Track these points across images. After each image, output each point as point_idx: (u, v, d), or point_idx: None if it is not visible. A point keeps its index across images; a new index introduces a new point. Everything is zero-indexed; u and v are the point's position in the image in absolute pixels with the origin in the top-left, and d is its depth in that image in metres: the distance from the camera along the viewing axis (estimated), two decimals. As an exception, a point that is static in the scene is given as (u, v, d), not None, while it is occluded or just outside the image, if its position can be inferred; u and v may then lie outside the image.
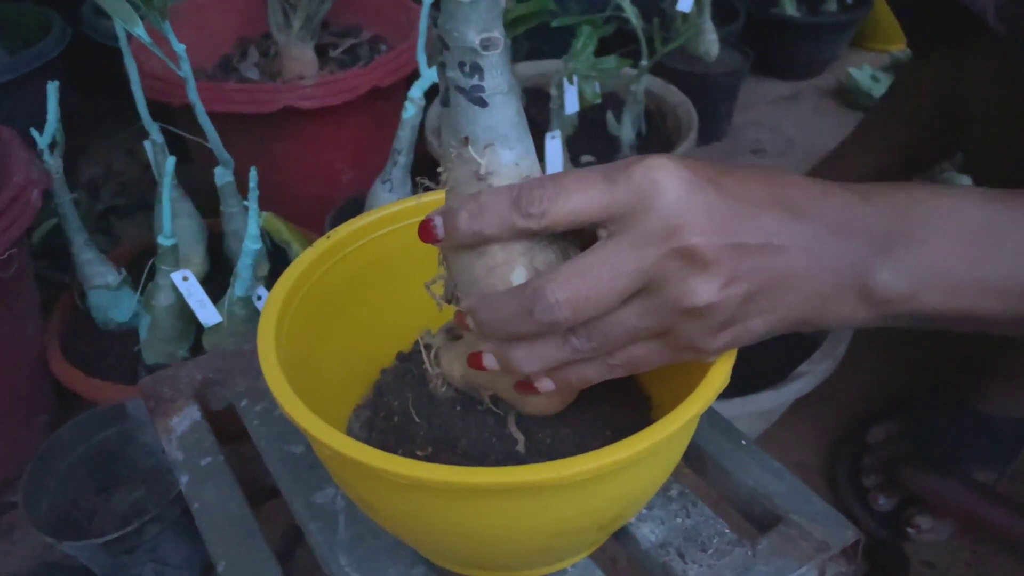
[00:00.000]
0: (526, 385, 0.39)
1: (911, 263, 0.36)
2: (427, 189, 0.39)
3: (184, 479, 0.52)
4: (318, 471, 0.50)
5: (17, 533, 0.82)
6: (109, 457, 0.76)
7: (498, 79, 0.34)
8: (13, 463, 0.84)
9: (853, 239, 0.36)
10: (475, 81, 0.34)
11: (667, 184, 0.34)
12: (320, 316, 0.47)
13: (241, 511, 0.50)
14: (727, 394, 0.75)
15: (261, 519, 0.50)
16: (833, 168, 0.89)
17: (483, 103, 0.35)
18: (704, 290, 0.34)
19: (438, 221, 0.36)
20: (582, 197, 0.34)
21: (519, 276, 0.36)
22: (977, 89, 0.63)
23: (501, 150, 0.36)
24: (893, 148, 0.86)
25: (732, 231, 0.34)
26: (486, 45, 0.33)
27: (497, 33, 0.34)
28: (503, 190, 0.35)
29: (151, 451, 0.77)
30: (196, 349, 0.84)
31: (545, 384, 0.38)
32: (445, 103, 0.36)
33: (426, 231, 0.37)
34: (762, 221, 0.35)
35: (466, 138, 0.35)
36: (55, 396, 0.90)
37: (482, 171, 0.36)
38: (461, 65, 0.34)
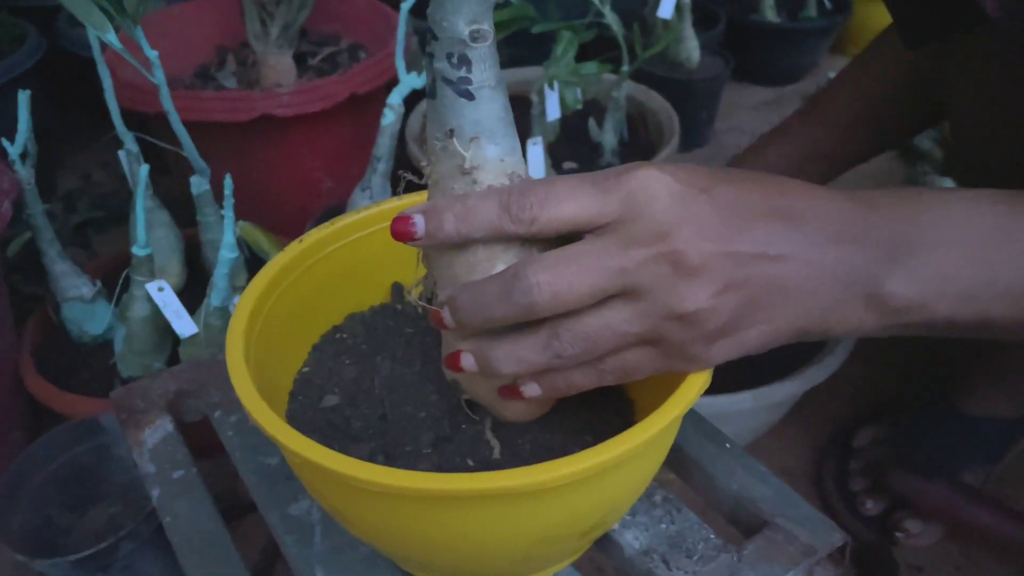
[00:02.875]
0: (510, 390, 0.38)
1: (921, 271, 0.36)
2: (409, 183, 0.38)
3: (156, 492, 0.51)
4: (293, 483, 0.49)
5: (-10, 552, 0.80)
6: (83, 472, 0.75)
7: (486, 72, 0.34)
8: (-14, 480, 0.83)
9: (859, 247, 0.35)
10: (463, 73, 0.34)
11: (658, 193, 0.33)
12: (293, 322, 0.46)
13: (214, 525, 0.48)
14: (735, 388, 0.74)
15: (240, 534, 0.49)
16: (771, 143, 0.85)
17: (470, 96, 0.34)
18: (693, 296, 0.34)
19: (418, 219, 0.35)
20: (573, 205, 0.34)
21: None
22: (965, 84, 0.62)
23: (486, 144, 0.35)
24: (839, 125, 0.82)
25: (724, 239, 0.34)
26: (475, 37, 0.33)
27: (487, 26, 0.33)
28: (492, 194, 0.35)
29: (126, 466, 0.75)
30: (173, 361, 0.83)
31: (531, 389, 0.37)
32: (431, 95, 0.35)
33: (403, 228, 0.35)
34: (757, 230, 0.34)
35: (451, 130, 0.35)
36: (29, 411, 0.89)
37: (467, 165, 0.35)
38: (449, 56, 0.34)
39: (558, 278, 0.33)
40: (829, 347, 0.79)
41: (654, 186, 0.34)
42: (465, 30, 0.33)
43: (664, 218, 0.33)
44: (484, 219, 0.34)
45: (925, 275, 0.36)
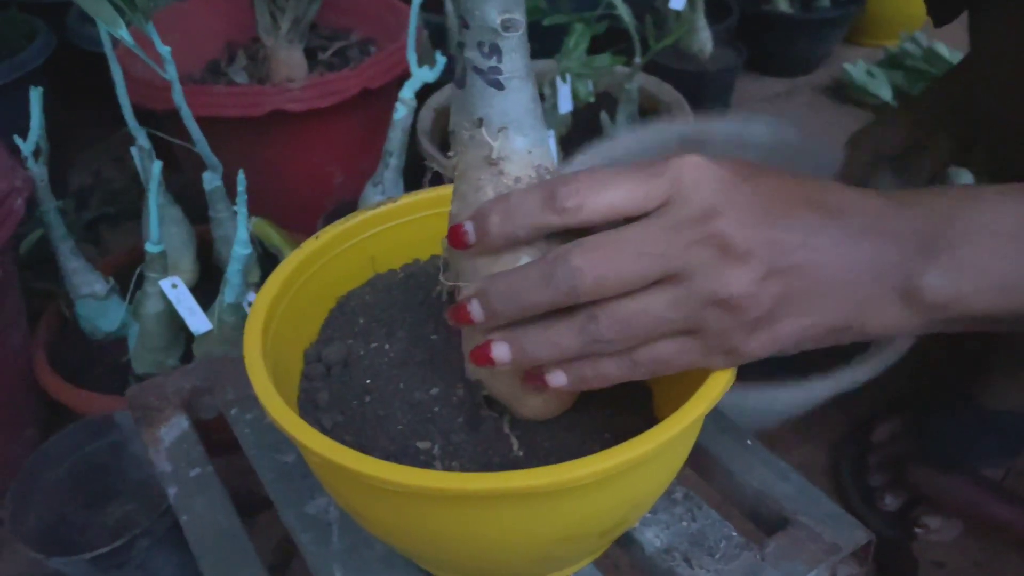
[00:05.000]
0: (534, 376, 0.37)
1: (958, 265, 0.35)
2: (435, 174, 0.38)
3: (172, 491, 0.50)
4: (310, 480, 0.49)
5: (4, 549, 0.80)
6: (98, 470, 0.75)
7: (516, 62, 0.34)
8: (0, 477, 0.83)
9: (894, 241, 0.35)
10: (493, 62, 0.33)
11: (703, 178, 0.33)
12: (310, 318, 0.46)
13: (231, 523, 0.48)
14: (776, 379, 0.68)
15: (255, 531, 0.49)
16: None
17: (500, 86, 0.34)
18: (737, 281, 0.33)
19: (468, 226, 0.35)
20: (618, 191, 0.33)
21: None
22: (994, 60, 0.61)
23: (515, 135, 0.35)
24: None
25: (767, 226, 0.33)
26: (507, 26, 0.33)
27: (519, 15, 0.33)
28: (534, 189, 0.34)
29: (141, 463, 0.75)
30: (186, 358, 0.83)
31: (556, 377, 0.36)
32: (460, 84, 0.35)
33: (457, 238, 0.35)
34: (799, 219, 0.34)
35: (480, 120, 0.34)
36: (43, 408, 0.89)
37: (494, 155, 0.35)
38: (480, 45, 0.33)
39: (601, 262, 0.33)
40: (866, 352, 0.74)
41: (699, 172, 0.33)
42: (497, 19, 0.33)
43: (709, 203, 0.33)
44: (527, 215, 0.34)
45: (962, 269, 0.35)
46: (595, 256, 0.33)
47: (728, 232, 0.33)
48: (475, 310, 0.35)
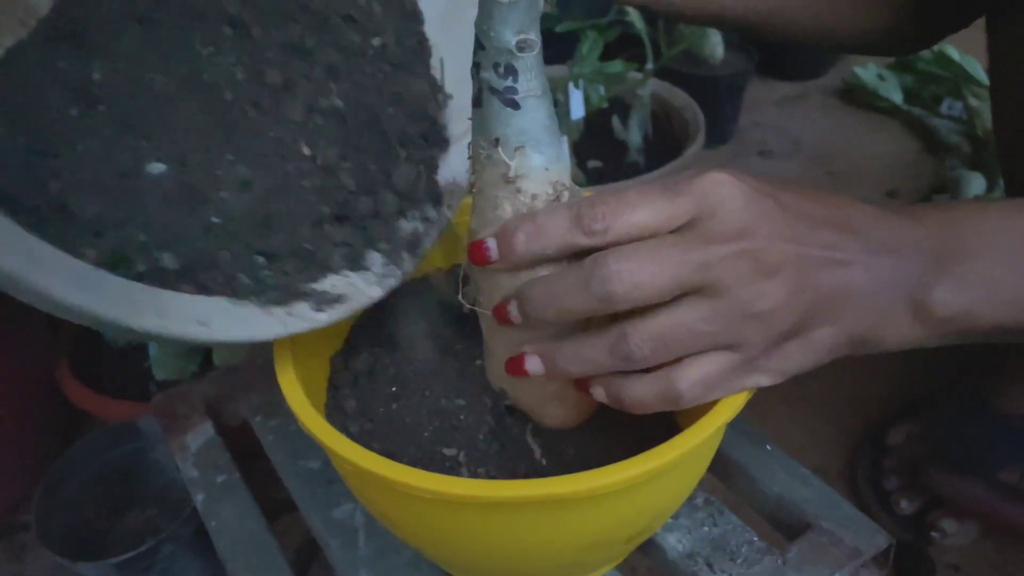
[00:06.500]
0: (583, 383, 0.38)
1: (966, 278, 0.36)
2: None
3: (200, 497, 0.51)
4: (335, 486, 0.49)
5: (29, 554, 0.81)
6: (121, 475, 0.76)
7: (532, 81, 0.34)
8: (24, 483, 0.84)
9: (907, 257, 0.36)
10: (509, 83, 0.34)
11: (731, 194, 0.34)
12: (336, 327, 0.46)
13: (259, 529, 0.49)
14: None
15: (275, 535, 0.49)
16: None
17: (516, 105, 0.34)
18: (772, 294, 0.34)
19: (491, 243, 0.36)
20: (646, 211, 0.34)
21: None
22: (1013, 67, 0.61)
23: (532, 153, 0.35)
24: None
25: (797, 240, 0.34)
26: (522, 47, 0.33)
27: (534, 35, 0.33)
28: (561, 209, 0.35)
29: (163, 469, 0.76)
30: (207, 363, 0.83)
31: (597, 392, 0.37)
32: (477, 104, 0.35)
33: (479, 254, 0.36)
34: (823, 234, 0.35)
35: (497, 139, 0.35)
36: (65, 415, 0.90)
37: (511, 174, 0.35)
38: (496, 66, 0.34)
39: (639, 268, 0.33)
40: None
41: (726, 188, 0.34)
42: (512, 40, 0.33)
43: (741, 217, 0.33)
44: (554, 235, 0.34)
45: (970, 282, 0.36)
46: (632, 261, 0.33)
47: (761, 248, 0.33)
48: (513, 312, 0.36)
